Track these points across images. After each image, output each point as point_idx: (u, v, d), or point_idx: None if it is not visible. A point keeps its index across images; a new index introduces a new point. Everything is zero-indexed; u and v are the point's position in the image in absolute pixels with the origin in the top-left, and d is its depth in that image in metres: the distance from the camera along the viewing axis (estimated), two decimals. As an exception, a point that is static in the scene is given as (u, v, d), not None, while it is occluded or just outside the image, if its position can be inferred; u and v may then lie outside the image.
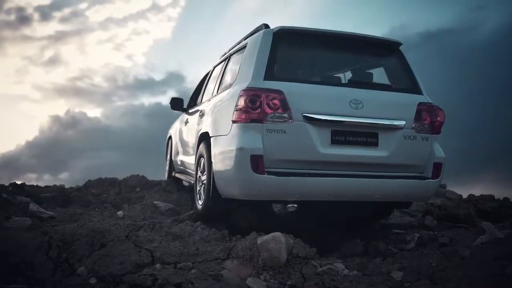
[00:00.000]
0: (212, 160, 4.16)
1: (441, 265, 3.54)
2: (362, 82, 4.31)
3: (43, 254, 3.23)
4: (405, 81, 4.41)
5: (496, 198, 6.55)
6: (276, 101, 3.79)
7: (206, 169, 4.35)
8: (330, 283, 3.23)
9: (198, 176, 4.76)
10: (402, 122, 4.08)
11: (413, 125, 4.13)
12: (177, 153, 6.80)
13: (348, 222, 5.08)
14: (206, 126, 4.57)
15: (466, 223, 4.86)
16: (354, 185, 3.96)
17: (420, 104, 4.20)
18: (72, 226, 3.75)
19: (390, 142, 4.06)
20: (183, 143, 6.27)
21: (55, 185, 7.41)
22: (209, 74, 5.97)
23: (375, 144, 4.03)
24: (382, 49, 4.55)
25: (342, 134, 3.94)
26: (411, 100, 4.22)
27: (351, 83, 4.29)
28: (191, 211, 5.09)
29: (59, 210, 5.17)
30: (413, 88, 4.33)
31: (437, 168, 4.21)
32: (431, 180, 4.19)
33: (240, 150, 3.73)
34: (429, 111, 4.21)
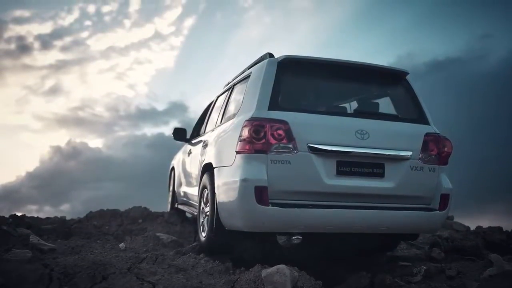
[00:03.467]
0: (216, 192, 4.11)
1: (450, 299, 3.47)
2: (368, 112, 4.29)
3: (44, 286, 3.17)
4: (411, 111, 4.40)
5: (504, 230, 6.46)
6: (280, 132, 3.77)
7: (209, 201, 4.30)
8: (337, 317, 3.16)
9: (201, 208, 4.70)
10: (409, 153, 4.05)
11: (420, 156, 4.09)
12: (180, 184, 6.76)
13: (354, 254, 5.00)
14: (210, 156, 4.54)
15: (473, 256, 4.77)
16: (360, 217, 3.90)
17: (427, 134, 4.17)
18: (73, 259, 3.69)
19: (396, 173, 4.02)
20: (186, 174, 6.23)
21: (56, 217, 7.37)
22: (213, 104, 5.98)
23: (381, 175, 3.99)
24: (388, 78, 4.55)
25: (348, 165, 3.91)
26: (418, 130, 4.19)
27: (357, 113, 4.27)
28: (194, 243, 5.03)
29: (60, 242, 5.11)
30: (420, 118, 4.32)
31: (445, 200, 4.15)
32: (438, 211, 4.13)
33: (244, 181, 3.69)
34: (436, 141, 4.18)
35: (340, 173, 3.88)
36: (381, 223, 3.97)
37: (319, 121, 3.98)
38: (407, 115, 4.38)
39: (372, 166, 3.98)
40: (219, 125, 4.86)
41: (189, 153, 6.09)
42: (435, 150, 4.16)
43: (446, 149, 4.21)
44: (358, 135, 3.92)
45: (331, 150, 3.85)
